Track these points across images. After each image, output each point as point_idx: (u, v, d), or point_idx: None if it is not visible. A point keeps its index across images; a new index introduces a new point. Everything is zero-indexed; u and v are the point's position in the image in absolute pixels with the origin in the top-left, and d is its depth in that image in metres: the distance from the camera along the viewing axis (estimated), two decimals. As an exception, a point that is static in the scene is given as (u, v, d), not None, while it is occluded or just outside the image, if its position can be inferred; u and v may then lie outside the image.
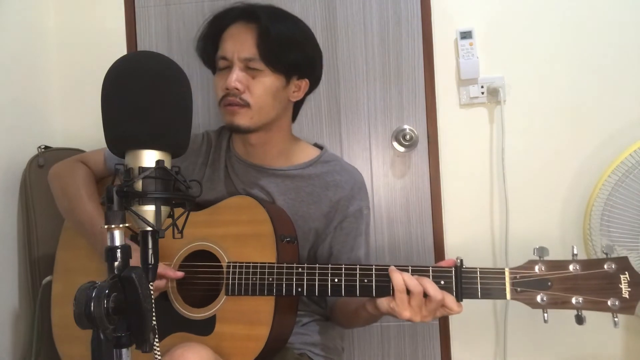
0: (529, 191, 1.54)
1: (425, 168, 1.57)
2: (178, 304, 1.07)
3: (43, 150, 1.48)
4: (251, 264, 1.02)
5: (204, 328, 1.03)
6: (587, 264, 0.89)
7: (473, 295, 0.92)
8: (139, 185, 0.65)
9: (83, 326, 0.56)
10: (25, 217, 1.41)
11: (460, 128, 1.57)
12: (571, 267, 0.89)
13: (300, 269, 1.00)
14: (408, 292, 0.91)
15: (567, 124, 1.53)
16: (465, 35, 1.53)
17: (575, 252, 0.90)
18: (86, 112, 1.64)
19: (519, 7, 1.54)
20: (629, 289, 0.86)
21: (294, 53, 1.11)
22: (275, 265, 1.01)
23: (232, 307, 1.03)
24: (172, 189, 0.68)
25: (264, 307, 1.01)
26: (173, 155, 0.70)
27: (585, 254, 1.44)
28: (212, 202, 1.13)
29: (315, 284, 0.99)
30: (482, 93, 1.54)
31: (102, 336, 0.57)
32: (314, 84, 1.21)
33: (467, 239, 1.57)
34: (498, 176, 1.56)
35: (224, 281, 1.03)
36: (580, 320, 0.88)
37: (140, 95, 0.67)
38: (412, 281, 0.91)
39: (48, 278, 1.27)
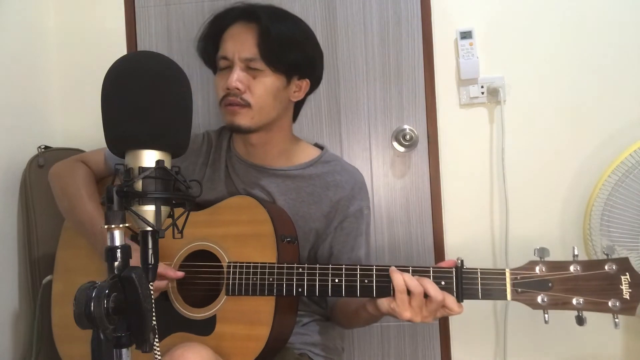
0: (529, 191, 1.54)
1: (425, 168, 1.57)
2: (178, 304, 1.07)
3: (43, 150, 1.48)
4: (251, 264, 1.02)
5: (204, 328, 1.03)
6: (587, 265, 0.89)
7: (474, 296, 0.92)
8: (139, 185, 0.65)
9: (83, 326, 0.56)
10: (25, 217, 1.41)
11: (460, 128, 1.57)
12: (572, 268, 0.89)
13: (300, 269, 1.00)
14: (409, 292, 0.91)
15: (567, 124, 1.53)
16: (465, 35, 1.53)
17: (576, 253, 0.90)
18: (86, 112, 1.64)
19: (519, 7, 1.54)
20: (630, 290, 0.86)
21: (294, 53, 1.11)
22: (276, 265, 1.01)
23: (233, 307, 1.03)
24: (172, 189, 0.68)
25: (264, 307, 1.01)
26: (173, 155, 0.70)
27: (585, 254, 1.44)
28: (213, 202, 1.13)
29: (315, 284, 0.99)
30: (482, 93, 1.54)
31: (102, 336, 0.57)
32: (314, 84, 1.21)
33: (467, 238, 1.57)
34: (498, 176, 1.56)
35: (224, 281, 1.03)
36: (580, 321, 0.88)
37: (140, 95, 0.67)
38: (412, 282, 0.91)
39: (48, 278, 1.27)
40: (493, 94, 1.54)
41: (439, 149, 1.57)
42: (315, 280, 0.99)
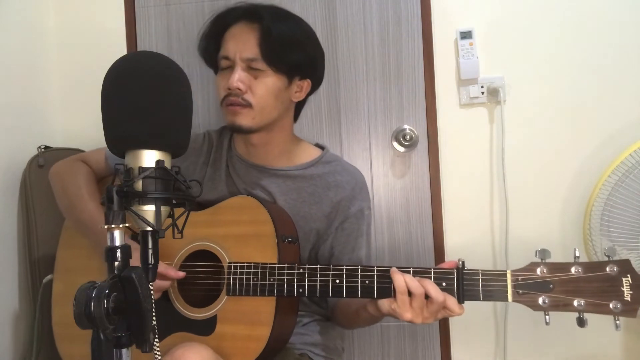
0: (529, 191, 1.54)
1: (425, 168, 1.57)
2: (179, 304, 1.06)
3: (43, 150, 1.48)
4: (252, 264, 1.02)
5: (205, 328, 1.03)
6: (589, 267, 0.89)
7: (475, 297, 0.92)
8: (139, 185, 0.65)
9: (83, 326, 0.56)
10: (25, 217, 1.41)
11: (460, 128, 1.57)
12: (573, 270, 0.89)
13: (301, 270, 1.00)
14: (410, 293, 0.92)
15: (567, 124, 1.53)
16: (465, 35, 1.53)
17: (577, 254, 0.90)
18: (86, 112, 1.64)
19: (519, 7, 1.54)
20: (631, 292, 0.86)
21: (296, 53, 1.11)
22: (277, 265, 1.01)
23: (233, 307, 1.03)
24: (172, 189, 0.68)
25: (265, 307, 1.01)
26: (173, 155, 0.70)
27: (585, 254, 1.44)
28: (214, 202, 1.13)
29: (316, 285, 0.99)
30: (482, 93, 1.54)
31: (102, 336, 0.57)
32: (315, 84, 1.20)
33: (467, 238, 1.57)
34: (498, 176, 1.56)
35: (225, 281, 1.03)
36: (581, 322, 0.88)
37: (140, 95, 0.67)
38: (413, 282, 0.91)
39: (48, 277, 1.27)
40: (493, 94, 1.54)
41: (439, 149, 1.57)
42: (316, 280, 0.99)
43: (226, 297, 1.03)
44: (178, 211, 0.70)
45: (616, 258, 0.88)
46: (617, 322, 0.87)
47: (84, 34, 1.67)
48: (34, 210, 1.40)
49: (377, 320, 1.08)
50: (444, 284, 0.93)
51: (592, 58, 1.52)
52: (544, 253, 0.90)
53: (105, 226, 0.62)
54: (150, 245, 0.65)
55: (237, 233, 1.07)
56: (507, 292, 0.90)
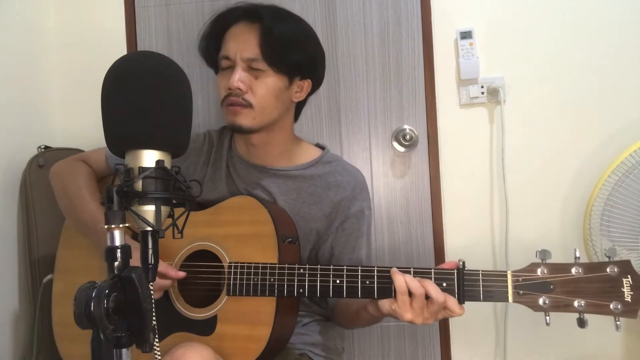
0: (529, 191, 1.54)
1: (425, 168, 1.57)
2: (179, 304, 1.06)
3: (43, 150, 1.48)
4: (252, 264, 1.02)
5: (205, 328, 1.03)
6: (589, 267, 0.89)
7: (475, 298, 0.92)
8: (139, 185, 0.65)
9: (83, 326, 0.56)
10: (25, 217, 1.41)
11: (460, 128, 1.57)
12: (574, 270, 0.89)
13: (301, 270, 1.00)
14: (410, 294, 0.92)
15: (567, 124, 1.53)
16: (465, 35, 1.53)
17: (577, 255, 0.90)
18: (86, 112, 1.64)
19: (519, 7, 1.54)
20: (632, 293, 0.86)
21: (296, 53, 1.11)
22: (277, 265, 1.01)
23: (234, 307, 1.03)
24: (172, 189, 0.68)
25: (265, 307, 1.01)
26: (173, 155, 0.70)
27: (585, 254, 1.44)
28: (214, 201, 1.13)
29: (316, 285, 0.99)
30: (482, 93, 1.54)
31: (102, 336, 0.57)
32: (316, 84, 1.20)
33: (467, 238, 1.57)
34: (498, 176, 1.56)
35: (226, 281, 1.03)
36: (582, 323, 0.88)
37: (140, 95, 0.67)
38: (414, 283, 0.91)
39: (49, 277, 1.27)
40: (493, 94, 1.54)
41: (439, 149, 1.57)
42: (316, 280, 0.99)
43: (226, 297, 1.03)
44: (178, 211, 0.70)
45: (616, 259, 0.88)
46: (618, 322, 0.87)
47: (84, 34, 1.67)
48: (34, 210, 1.40)
49: (378, 321, 1.08)
50: (444, 284, 0.93)
51: (592, 58, 1.52)
52: (544, 254, 0.90)
53: (105, 226, 0.62)
54: (150, 245, 0.65)
55: (238, 233, 1.07)
56: (507, 292, 0.90)
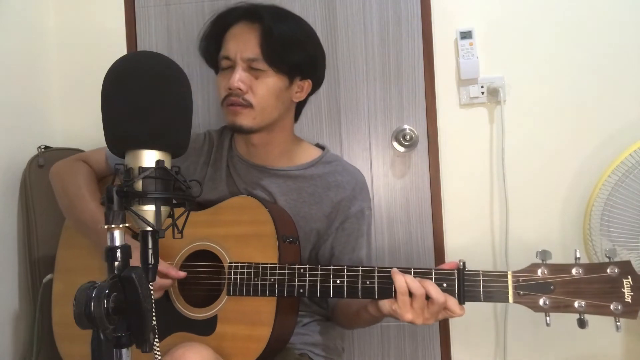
0: (529, 191, 1.54)
1: (425, 168, 1.57)
2: (179, 304, 1.06)
3: (43, 150, 1.48)
4: (253, 265, 1.02)
5: (205, 328, 1.03)
6: (589, 268, 0.89)
7: (475, 298, 0.92)
8: (139, 185, 0.65)
9: (83, 326, 0.56)
10: (25, 217, 1.41)
11: (460, 128, 1.57)
12: (574, 271, 0.89)
13: (302, 270, 1.00)
14: (410, 294, 0.92)
15: (567, 124, 1.53)
16: (465, 35, 1.53)
17: (577, 255, 0.90)
18: (86, 112, 1.64)
19: (519, 7, 1.54)
20: (632, 293, 0.86)
21: (297, 53, 1.11)
22: (277, 265, 1.01)
23: (234, 307, 1.03)
24: (172, 189, 0.68)
25: (265, 307, 1.01)
26: (173, 155, 0.70)
27: (585, 254, 1.44)
28: (214, 201, 1.13)
29: (317, 285, 0.99)
30: (482, 93, 1.54)
31: (102, 336, 0.57)
32: (316, 84, 1.20)
33: (467, 238, 1.57)
34: (498, 176, 1.56)
35: (226, 281, 1.03)
36: (582, 324, 0.88)
37: (140, 95, 0.67)
38: (414, 283, 0.91)
39: (49, 276, 1.27)
40: (493, 94, 1.54)
41: (439, 149, 1.57)
42: (316, 281, 0.99)
43: (227, 297, 1.03)
44: (178, 211, 0.70)
45: (617, 259, 0.88)
46: (618, 323, 0.87)
47: (84, 34, 1.67)
48: (34, 210, 1.40)
49: (378, 321, 1.07)
50: (444, 284, 0.93)
51: (592, 58, 1.52)
52: (544, 254, 0.90)
53: (105, 226, 0.62)
54: (150, 245, 0.65)
55: (238, 233, 1.07)
56: (508, 293, 0.90)
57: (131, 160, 0.66)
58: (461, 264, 0.93)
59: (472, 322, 1.56)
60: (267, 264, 1.02)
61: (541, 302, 0.89)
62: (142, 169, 0.65)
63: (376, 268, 0.96)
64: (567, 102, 1.53)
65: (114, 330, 0.58)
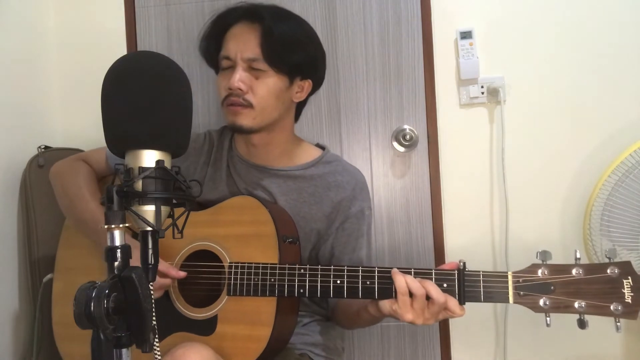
0: (529, 191, 1.54)
1: (425, 168, 1.57)
2: (179, 304, 1.06)
3: (43, 150, 1.48)
4: (253, 265, 1.02)
5: (206, 328, 1.03)
6: (590, 268, 0.89)
7: (476, 299, 0.92)
8: (139, 185, 0.65)
9: (83, 326, 0.56)
10: (25, 217, 1.41)
11: (460, 128, 1.57)
12: (574, 271, 0.89)
13: (302, 270, 1.00)
14: (411, 294, 0.91)
15: (567, 124, 1.53)
16: (465, 35, 1.53)
17: (578, 256, 0.90)
18: (86, 112, 1.64)
19: (519, 7, 1.54)
20: (632, 294, 0.86)
21: (297, 53, 1.11)
22: (278, 266, 1.01)
23: (234, 307, 1.03)
24: (172, 189, 0.68)
25: (265, 307, 1.01)
26: (173, 155, 0.70)
27: (585, 254, 1.44)
28: (214, 201, 1.13)
29: (317, 285, 0.99)
30: (482, 93, 1.54)
31: (102, 336, 0.57)
32: (317, 84, 1.20)
33: (467, 238, 1.57)
34: (498, 176, 1.56)
35: (226, 281, 1.03)
36: (582, 324, 0.88)
37: (140, 95, 0.67)
38: (414, 284, 0.91)
39: (49, 276, 1.27)
40: (493, 94, 1.54)
41: (439, 149, 1.57)
42: (317, 281, 0.99)
43: (227, 297, 1.03)
44: (178, 211, 0.70)
45: (617, 259, 0.88)
46: (618, 323, 0.87)
47: (84, 34, 1.67)
48: (34, 210, 1.40)
49: (378, 321, 1.08)
50: (445, 285, 0.93)
51: (592, 58, 1.52)
52: (544, 255, 0.90)
53: (105, 226, 0.62)
54: (150, 245, 0.65)
55: (238, 233, 1.07)
56: (508, 293, 0.90)
57: (131, 160, 0.66)
58: (461, 264, 0.93)
59: (472, 322, 1.56)
60: (267, 264, 1.02)
61: (541, 302, 0.89)
62: (142, 169, 0.65)
63: (376, 268, 0.96)
64: (567, 102, 1.53)
65: (114, 330, 0.58)
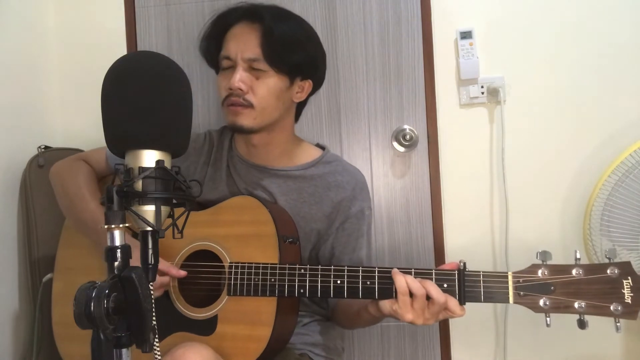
0: (529, 191, 1.54)
1: (425, 168, 1.57)
2: (179, 304, 1.06)
3: (43, 150, 1.48)
4: (253, 265, 1.02)
5: (206, 328, 1.03)
6: (590, 269, 0.89)
7: (476, 299, 0.92)
8: (139, 185, 0.65)
9: (83, 326, 0.56)
10: (25, 217, 1.41)
11: (460, 128, 1.57)
12: (574, 272, 0.89)
13: (302, 270, 1.00)
14: (411, 294, 0.92)
15: (567, 124, 1.53)
16: (465, 35, 1.53)
17: (578, 256, 0.90)
18: (86, 112, 1.64)
19: (519, 7, 1.54)
20: (632, 294, 0.86)
21: (297, 53, 1.11)
22: (278, 266, 1.01)
23: (234, 307, 1.03)
24: (172, 189, 0.68)
25: (266, 307, 1.01)
26: (173, 155, 0.70)
27: (585, 255, 1.44)
28: (214, 201, 1.13)
29: (317, 285, 0.99)
30: (482, 93, 1.54)
31: (102, 336, 0.57)
32: (317, 84, 1.20)
33: (467, 238, 1.57)
34: (498, 176, 1.56)
35: (226, 281, 1.03)
36: (582, 324, 0.88)
37: (140, 95, 0.67)
38: (415, 284, 0.91)
39: (48, 276, 1.27)
40: (493, 94, 1.54)
41: (439, 149, 1.57)
42: (317, 281, 0.99)
43: (227, 297, 1.03)
44: (178, 211, 0.70)
45: (617, 259, 0.88)
46: (618, 324, 0.87)
47: (84, 34, 1.67)
48: (34, 210, 1.40)
49: (378, 321, 1.08)
50: (445, 285, 0.93)
51: (592, 58, 1.52)
52: (545, 255, 0.91)
53: (105, 226, 0.62)
54: (150, 245, 0.65)
55: (238, 233, 1.07)
56: (508, 293, 0.90)
57: (131, 160, 0.66)
58: (461, 264, 0.93)
59: (472, 322, 1.56)
60: (267, 264, 1.02)
61: (541, 302, 0.89)
62: (142, 169, 0.65)
63: (377, 268, 0.96)
64: (567, 102, 1.53)
65: (114, 330, 0.58)
